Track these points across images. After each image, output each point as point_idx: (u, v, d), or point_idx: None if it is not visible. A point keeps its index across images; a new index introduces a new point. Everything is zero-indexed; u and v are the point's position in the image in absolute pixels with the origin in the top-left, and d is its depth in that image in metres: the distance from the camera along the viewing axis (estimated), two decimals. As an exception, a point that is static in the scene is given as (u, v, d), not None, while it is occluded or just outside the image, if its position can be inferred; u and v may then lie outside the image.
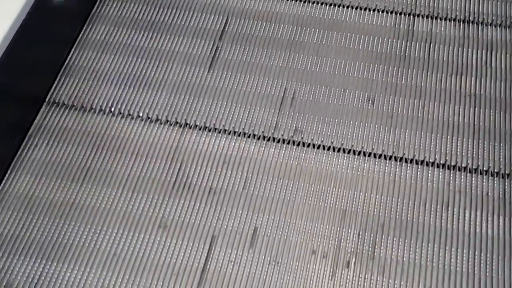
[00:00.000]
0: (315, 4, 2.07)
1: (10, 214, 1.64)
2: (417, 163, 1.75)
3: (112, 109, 1.84)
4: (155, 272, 1.56)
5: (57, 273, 1.55)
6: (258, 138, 1.79)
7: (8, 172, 1.71)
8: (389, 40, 1.99)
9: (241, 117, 1.83)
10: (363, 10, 2.06)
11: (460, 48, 1.96)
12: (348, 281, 1.56)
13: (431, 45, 1.97)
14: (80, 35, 2.00)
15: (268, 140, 1.79)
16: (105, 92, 1.87)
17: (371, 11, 2.06)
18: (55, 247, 1.59)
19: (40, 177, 1.70)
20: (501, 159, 1.74)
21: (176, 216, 1.65)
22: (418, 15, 2.05)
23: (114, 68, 1.92)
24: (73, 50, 1.97)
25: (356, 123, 1.82)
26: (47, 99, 1.86)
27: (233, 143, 1.78)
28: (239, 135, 1.80)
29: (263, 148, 1.77)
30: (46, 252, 1.59)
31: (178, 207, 1.66)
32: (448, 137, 1.79)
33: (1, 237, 1.60)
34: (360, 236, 1.63)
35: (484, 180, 1.71)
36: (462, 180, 1.72)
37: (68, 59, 1.95)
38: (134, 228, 1.63)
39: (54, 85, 1.89)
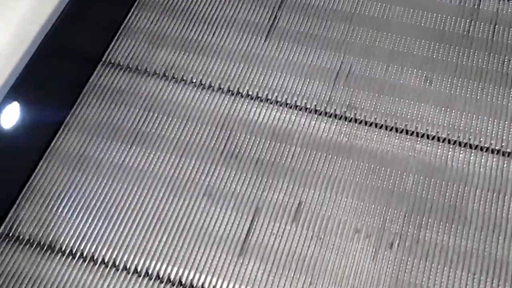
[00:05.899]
0: (378, -23, 2.02)
1: (60, 171, 1.67)
2: (471, 147, 1.70)
3: (166, 73, 1.84)
4: (197, 239, 1.57)
5: (101, 233, 1.58)
6: (310, 112, 1.77)
7: (61, 129, 1.74)
8: (453, 18, 1.92)
9: (294, 89, 1.80)
10: (428, -15, 2.00)
11: (526, 31, 1.89)
12: (390, 262, 1.54)
13: (496, 26, 1.90)
14: (140, -4, 2.01)
15: (320, 114, 1.76)
16: (161, 55, 1.87)
17: (437, -13, 2.00)
18: (101, 207, 1.62)
19: (92, 136, 1.73)
20: (560, 149, 1.69)
21: (222, 185, 1.65)
22: (485, -6, 1.98)
23: (171, 32, 1.92)
24: (132, 10, 1.97)
25: (412, 102, 1.78)
26: (103, 59, 1.87)
27: (284, 115, 1.76)
28: (290, 107, 1.78)
29: (314, 122, 1.75)
30: (93, 211, 1.61)
31: (224, 175, 1.66)
32: (506, 122, 1.73)
33: (49, 193, 1.64)
34: (406, 218, 1.60)
35: (540, 170, 1.66)
36: (517, 168, 1.67)
37: (126, 19, 1.95)
38: (179, 194, 1.63)
39: (111, 45, 1.90)
